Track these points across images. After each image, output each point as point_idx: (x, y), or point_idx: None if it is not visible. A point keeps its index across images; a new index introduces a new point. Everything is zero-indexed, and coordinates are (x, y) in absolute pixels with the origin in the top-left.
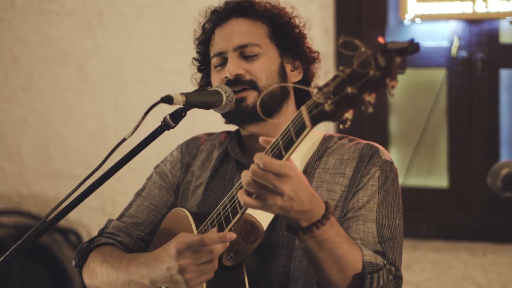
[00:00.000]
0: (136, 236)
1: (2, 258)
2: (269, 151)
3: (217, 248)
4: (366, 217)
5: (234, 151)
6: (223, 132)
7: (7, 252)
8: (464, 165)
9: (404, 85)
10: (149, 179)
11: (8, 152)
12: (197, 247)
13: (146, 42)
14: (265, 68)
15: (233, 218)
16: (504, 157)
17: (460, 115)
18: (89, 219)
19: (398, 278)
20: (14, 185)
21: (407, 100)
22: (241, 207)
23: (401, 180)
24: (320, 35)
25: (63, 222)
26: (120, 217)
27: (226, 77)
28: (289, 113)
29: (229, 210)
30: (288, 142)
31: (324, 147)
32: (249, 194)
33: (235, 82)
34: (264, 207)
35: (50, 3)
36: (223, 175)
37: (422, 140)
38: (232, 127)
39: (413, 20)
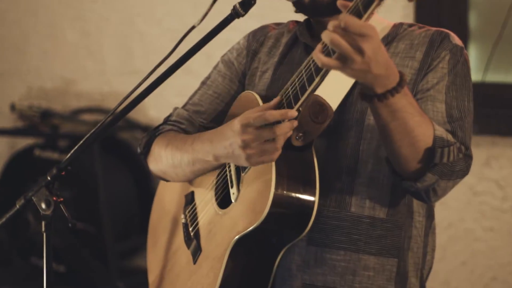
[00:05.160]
0: (198, 124)
1: (74, 148)
2: (348, 12)
3: (280, 127)
4: (435, 97)
5: (303, 35)
6: (291, 21)
7: (80, 142)
8: None
9: None
10: (214, 67)
11: (90, 51)
12: (260, 122)
13: None
14: None
15: (309, 86)
16: None
17: None
18: None
19: (468, 157)
20: (96, 84)
21: None
22: (309, 83)
23: (480, 76)
24: None
25: (143, 119)
26: (184, 105)
27: None
28: None
29: (298, 87)
30: (368, 1)
31: (394, 33)
32: (327, 55)
33: None
34: (344, 67)
35: None
36: (291, 59)
37: (502, 36)
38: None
39: None
